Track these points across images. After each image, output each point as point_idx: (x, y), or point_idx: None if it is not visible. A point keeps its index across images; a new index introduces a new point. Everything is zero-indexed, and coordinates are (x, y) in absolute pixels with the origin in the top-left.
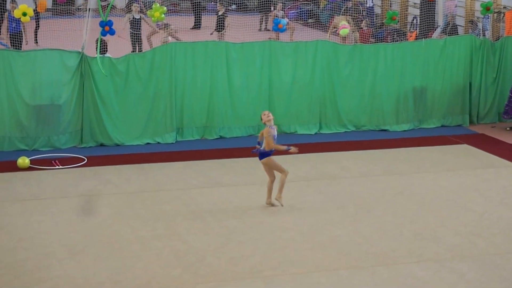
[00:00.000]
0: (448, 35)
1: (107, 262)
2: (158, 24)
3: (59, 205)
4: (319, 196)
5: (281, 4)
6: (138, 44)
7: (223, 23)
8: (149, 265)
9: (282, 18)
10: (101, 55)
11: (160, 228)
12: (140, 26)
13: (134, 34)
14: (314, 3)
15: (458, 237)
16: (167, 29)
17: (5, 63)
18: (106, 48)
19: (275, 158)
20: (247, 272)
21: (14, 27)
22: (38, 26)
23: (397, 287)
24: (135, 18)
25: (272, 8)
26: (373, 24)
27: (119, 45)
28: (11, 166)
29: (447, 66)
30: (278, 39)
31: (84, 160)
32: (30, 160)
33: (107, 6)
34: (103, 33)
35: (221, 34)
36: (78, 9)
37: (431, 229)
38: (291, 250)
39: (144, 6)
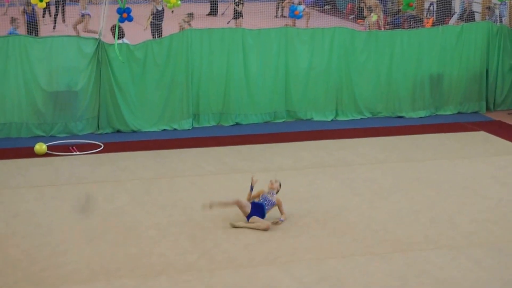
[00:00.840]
0: (465, 22)
1: (123, 248)
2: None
3: (76, 191)
4: (335, 183)
5: None
6: (157, 33)
7: (240, 10)
8: (165, 251)
9: (299, 4)
10: (118, 41)
11: (176, 214)
12: (162, 17)
13: (156, 24)
14: None
15: (474, 224)
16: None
17: (22, 49)
18: (123, 33)
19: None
20: (263, 258)
21: (30, 16)
22: (57, 12)
23: (413, 273)
24: (158, 10)
25: None
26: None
27: (137, 32)
28: (28, 153)
29: (463, 52)
30: (295, 25)
31: (101, 146)
32: (47, 146)
33: None
34: (121, 20)
35: (237, 21)
36: None
37: (448, 215)
38: (307, 237)
39: None
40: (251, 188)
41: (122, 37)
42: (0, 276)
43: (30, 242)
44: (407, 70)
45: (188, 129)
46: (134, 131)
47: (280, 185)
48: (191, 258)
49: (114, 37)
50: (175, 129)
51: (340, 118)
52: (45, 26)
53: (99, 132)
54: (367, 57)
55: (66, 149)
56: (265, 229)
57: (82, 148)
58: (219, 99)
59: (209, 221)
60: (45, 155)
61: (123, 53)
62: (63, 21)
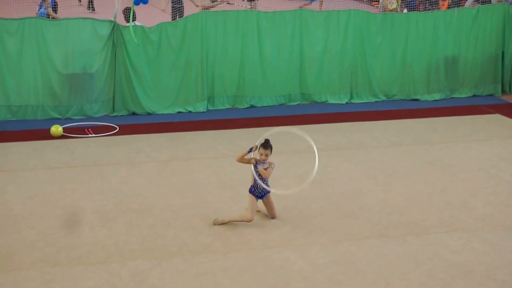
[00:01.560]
0: (481, 4)
1: (138, 230)
2: None
3: (91, 173)
4: (349, 165)
5: None
6: (178, 15)
7: None
8: (180, 233)
9: None
10: (133, 24)
11: (191, 196)
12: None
13: (176, 8)
14: None
15: (489, 207)
16: None
17: (38, 31)
18: (135, 16)
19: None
20: (278, 240)
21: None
22: None
23: (427, 256)
24: None
25: None
26: None
27: (152, 14)
28: (44, 135)
29: (479, 35)
30: (310, 8)
31: (116, 128)
32: (63, 128)
33: None
34: (136, 2)
35: (252, 3)
36: None
37: (462, 198)
38: (321, 219)
39: None
40: (249, 151)
41: (134, 19)
42: (17, 256)
43: (46, 223)
44: (422, 53)
45: (203, 112)
46: (149, 114)
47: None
48: (206, 240)
49: (126, 19)
50: (190, 111)
51: (354, 100)
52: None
53: (114, 114)
54: (382, 39)
55: (81, 131)
56: (249, 221)
57: (97, 130)
58: (234, 81)
59: (223, 203)
60: (61, 137)
61: (138, 35)
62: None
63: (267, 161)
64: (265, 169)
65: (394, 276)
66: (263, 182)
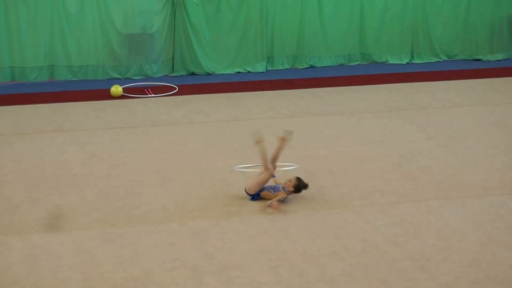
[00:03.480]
0: None
1: (197, 190)
2: None
3: (150, 133)
4: (410, 126)
5: None
6: None
7: None
8: (239, 192)
9: None
10: None
11: (251, 156)
12: None
13: None
14: None
15: None
16: None
17: None
18: None
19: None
20: (337, 201)
21: None
22: None
23: (488, 218)
24: None
25: None
26: None
27: None
28: (104, 95)
29: None
30: None
31: (176, 88)
32: (123, 88)
33: None
34: None
35: None
36: None
37: None
38: (380, 180)
39: None
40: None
41: None
42: (77, 216)
43: (106, 183)
44: (485, 12)
45: (262, 72)
46: (208, 74)
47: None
48: (264, 200)
49: None
50: (249, 71)
51: (415, 61)
52: None
53: (173, 75)
54: None
55: (141, 91)
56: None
57: (157, 90)
58: (293, 41)
59: (283, 162)
60: (121, 97)
61: None
62: None
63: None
64: (277, 199)
65: (454, 238)
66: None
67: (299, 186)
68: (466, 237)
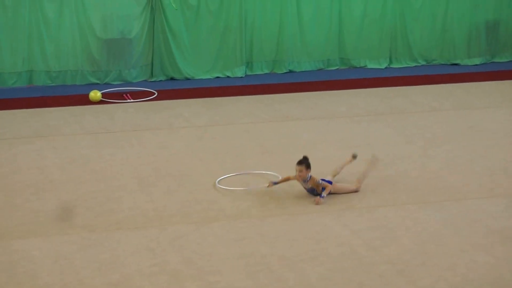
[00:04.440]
0: None
1: (177, 195)
2: None
3: (129, 138)
4: (388, 131)
5: None
6: None
7: None
8: (218, 198)
9: None
10: None
11: (229, 161)
12: None
13: None
14: None
15: None
16: None
17: None
18: None
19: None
20: (316, 206)
21: None
22: None
23: (466, 222)
24: None
25: None
26: None
27: None
28: (83, 100)
29: None
30: None
31: (155, 93)
32: (102, 93)
33: None
34: None
35: None
36: None
37: (503, 164)
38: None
39: None
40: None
41: None
42: (56, 221)
43: (85, 188)
44: (463, 17)
45: (241, 77)
46: (187, 79)
47: (306, 167)
48: (244, 205)
49: None
50: (228, 76)
51: (394, 65)
52: None
53: (152, 80)
54: (422, 3)
55: (120, 96)
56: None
57: (136, 95)
58: (273, 46)
59: (262, 168)
60: (100, 102)
61: (176, 0)
62: None
63: (308, 176)
64: (311, 186)
65: (432, 242)
66: (319, 195)
67: (308, 163)
68: (444, 241)
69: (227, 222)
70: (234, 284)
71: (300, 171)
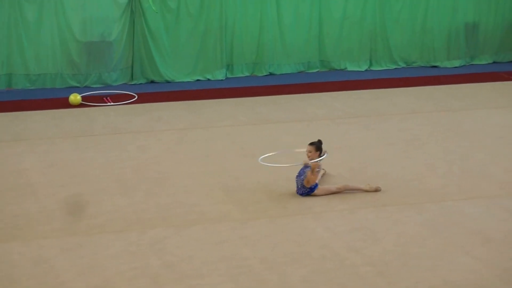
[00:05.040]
0: None
1: (157, 198)
2: None
3: (110, 141)
4: (369, 133)
5: None
6: None
7: None
8: (199, 201)
9: None
10: None
11: (210, 164)
12: None
13: None
14: None
15: (509, 174)
16: None
17: None
18: None
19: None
20: (297, 209)
21: None
22: None
23: (445, 223)
24: None
25: None
26: None
27: None
28: (63, 103)
29: (500, 1)
30: None
31: (135, 97)
32: (82, 97)
33: None
34: None
35: None
36: None
37: (482, 166)
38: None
39: None
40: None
41: None
42: (37, 225)
43: (66, 191)
44: (443, 19)
45: (222, 80)
46: (167, 82)
47: (316, 149)
48: (224, 208)
49: None
50: (208, 79)
51: (374, 68)
52: None
53: (133, 83)
54: (402, 6)
55: (100, 99)
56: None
57: (116, 98)
58: (253, 49)
59: (242, 171)
60: (80, 105)
61: (156, 3)
62: None
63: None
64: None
65: (412, 243)
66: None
67: (318, 145)
68: (425, 243)
69: (208, 225)
70: (216, 287)
71: (310, 151)
